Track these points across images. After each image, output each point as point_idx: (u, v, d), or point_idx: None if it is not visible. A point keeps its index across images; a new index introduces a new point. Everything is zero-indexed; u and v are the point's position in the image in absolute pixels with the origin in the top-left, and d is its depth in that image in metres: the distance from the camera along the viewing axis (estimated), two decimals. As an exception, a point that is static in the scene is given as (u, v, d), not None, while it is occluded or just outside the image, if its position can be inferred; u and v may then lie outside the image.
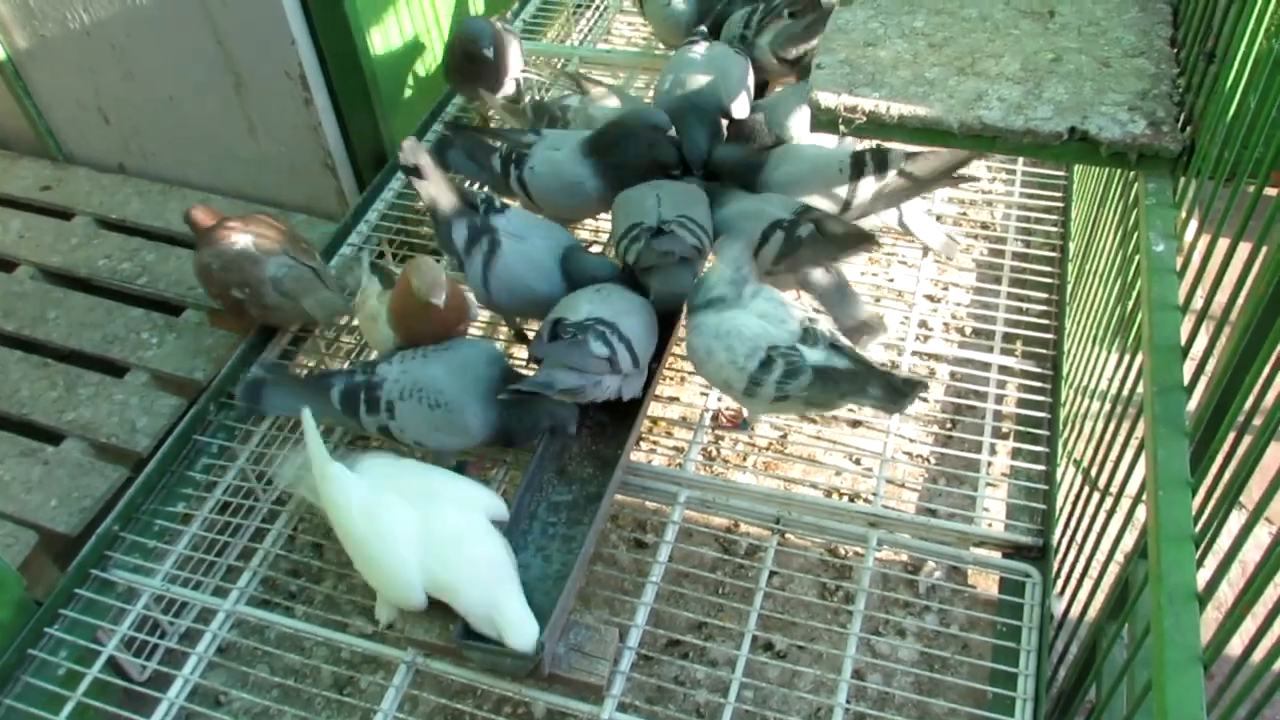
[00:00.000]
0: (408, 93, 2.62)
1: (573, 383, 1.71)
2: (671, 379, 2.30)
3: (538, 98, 2.57)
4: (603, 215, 2.30)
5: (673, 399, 2.27)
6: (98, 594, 1.80)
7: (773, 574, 1.88)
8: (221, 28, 2.32)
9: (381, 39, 2.44)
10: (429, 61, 2.69)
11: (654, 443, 2.20)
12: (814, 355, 1.72)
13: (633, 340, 1.76)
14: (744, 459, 2.22)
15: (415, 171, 1.91)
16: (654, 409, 2.18)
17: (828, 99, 1.59)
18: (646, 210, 1.97)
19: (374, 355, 2.20)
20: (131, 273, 2.43)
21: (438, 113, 2.68)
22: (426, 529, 1.55)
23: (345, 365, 2.15)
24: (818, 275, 2.04)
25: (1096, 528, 1.50)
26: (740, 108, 2.32)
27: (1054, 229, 2.39)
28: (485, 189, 2.21)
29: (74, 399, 2.14)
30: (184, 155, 2.63)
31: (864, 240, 1.97)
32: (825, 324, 1.78)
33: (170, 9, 2.33)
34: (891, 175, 2.06)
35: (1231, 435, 1.06)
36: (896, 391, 1.70)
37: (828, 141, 2.19)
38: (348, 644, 1.75)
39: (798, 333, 1.73)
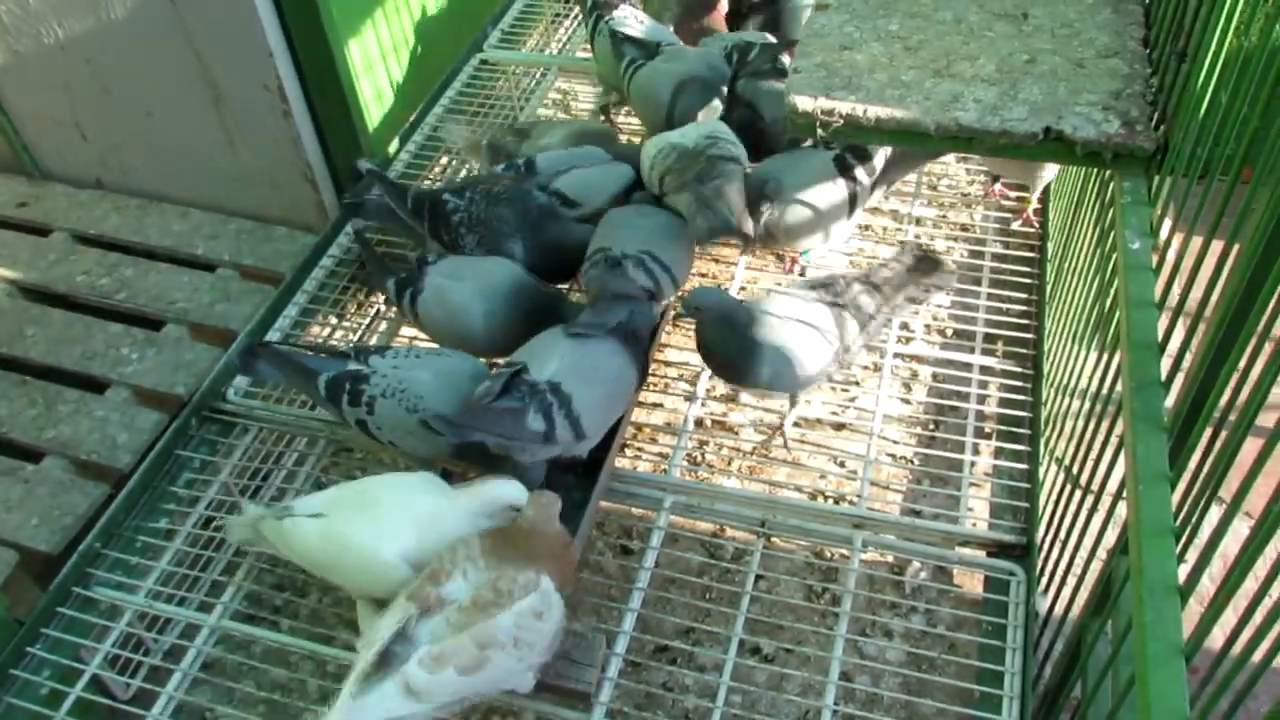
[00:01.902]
0: (387, 104, 2.61)
1: (494, 439, 1.64)
2: (655, 386, 2.31)
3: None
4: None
5: (656, 405, 2.27)
6: (80, 612, 1.79)
7: (759, 578, 1.88)
8: (198, 41, 2.31)
9: (359, 50, 2.44)
10: (408, 73, 2.68)
11: (639, 449, 2.20)
12: None
13: (582, 415, 1.66)
14: (729, 463, 2.23)
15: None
16: (638, 415, 2.18)
17: (804, 103, 1.60)
18: (619, 237, 1.94)
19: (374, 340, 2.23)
20: (110, 288, 2.41)
21: (417, 123, 2.68)
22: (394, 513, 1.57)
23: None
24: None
25: (1079, 525, 1.51)
26: None
27: (1032, 230, 2.41)
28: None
29: (53, 416, 2.12)
30: (163, 169, 2.62)
31: None
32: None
33: (146, 23, 2.32)
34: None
35: (1209, 429, 1.07)
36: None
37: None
38: (334, 657, 1.75)
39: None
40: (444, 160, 2.67)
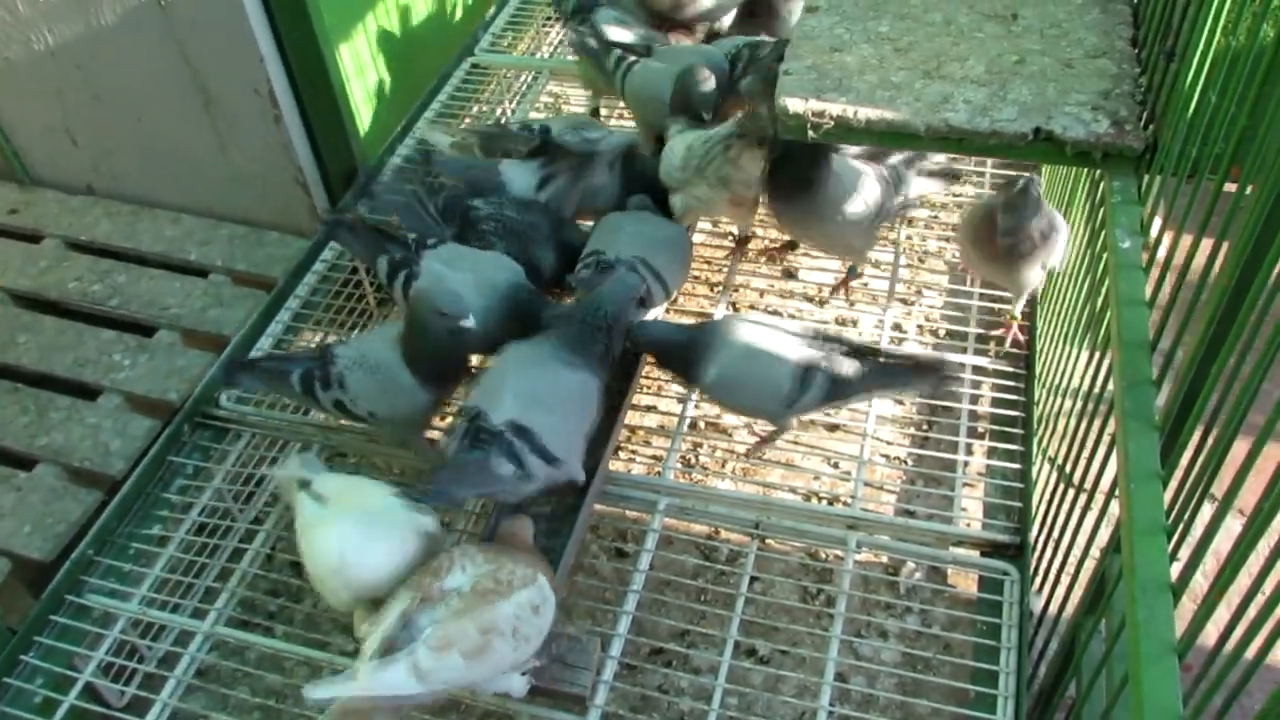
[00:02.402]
0: (378, 108, 2.61)
1: (474, 493, 1.65)
2: (649, 388, 2.31)
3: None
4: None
5: (650, 408, 2.27)
6: (73, 620, 1.78)
7: (754, 579, 1.88)
8: (188, 47, 2.31)
9: (351, 55, 2.44)
10: (399, 77, 2.68)
11: (632, 451, 2.20)
12: None
13: (550, 444, 1.62)
14: (722, 465, 2.23)
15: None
16: (632, 417, 2.18)
17: (795, 105, 1.60)
18: (613, 241, 1.95)
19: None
20: (102, 294, 2.40)
21: (408, 128, 2.68)
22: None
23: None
24: None
25: (1072, 524, 1.51)
26: None
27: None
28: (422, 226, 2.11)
29: (46, 423, 2.11)
30: (154, 175, 2.62)
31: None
32: None
33: (136, 29, 2.32)
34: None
35: (1200, 427, 1.08)
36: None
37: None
38: (329, 662, 1.74)
39: None
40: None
